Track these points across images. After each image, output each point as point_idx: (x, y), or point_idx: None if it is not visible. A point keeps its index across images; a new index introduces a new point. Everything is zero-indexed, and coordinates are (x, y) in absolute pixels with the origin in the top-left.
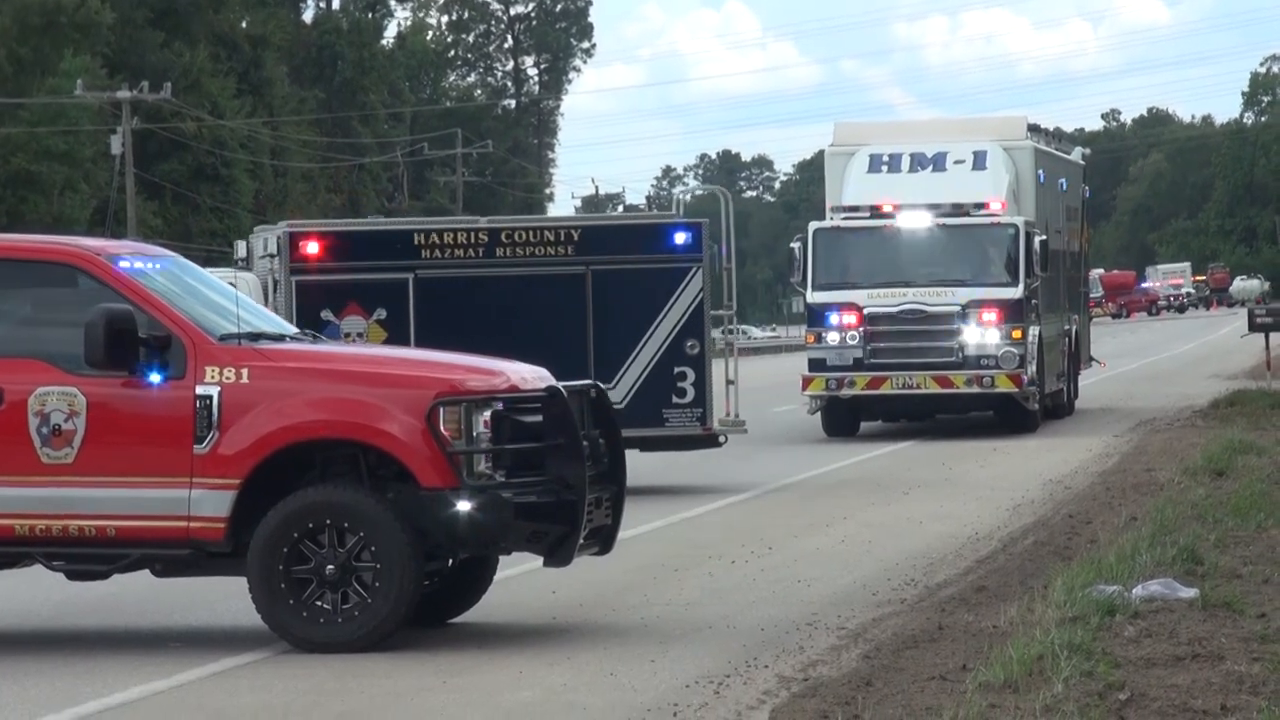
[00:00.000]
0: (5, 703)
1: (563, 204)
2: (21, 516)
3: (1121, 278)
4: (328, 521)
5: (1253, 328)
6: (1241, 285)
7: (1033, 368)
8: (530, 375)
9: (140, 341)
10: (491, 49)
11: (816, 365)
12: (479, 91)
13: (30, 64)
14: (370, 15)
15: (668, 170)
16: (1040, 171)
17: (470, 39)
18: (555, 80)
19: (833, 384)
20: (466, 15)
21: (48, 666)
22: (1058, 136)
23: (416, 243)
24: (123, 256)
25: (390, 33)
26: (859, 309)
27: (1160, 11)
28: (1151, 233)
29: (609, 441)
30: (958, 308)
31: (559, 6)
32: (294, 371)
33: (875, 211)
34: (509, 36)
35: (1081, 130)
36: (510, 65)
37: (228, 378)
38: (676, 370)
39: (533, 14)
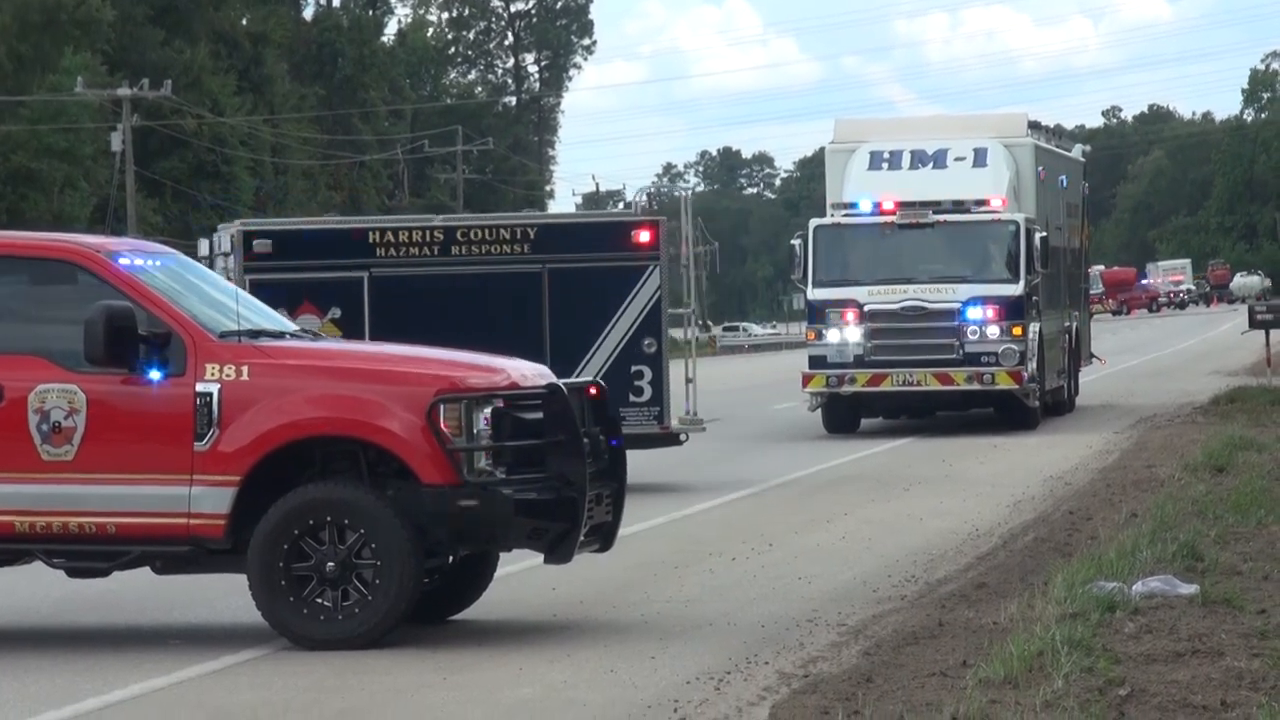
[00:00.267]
0: (6, 700)
1: (564, 201)
2: (22, 513)
3: (1122, 274)
4: (328, 518)
5: (1253, 324)
6: (1242, 282)
7: (1033, 364)
8: (531, 372)
9: (140, 339)
10: (492, 46)
11: (817, 362)
12: (479, 88)
13: (31, 61)
14: (370, 12)
15: (669, 167)
16: (1041, 168)
17: (471, 36)
18: (556, 77)
19: (833, 381)
20: (467, 12)
21: (48, 663)
22: (1058, 133)
23: (371, 241)
24: (123, 254)
25: (391, 30)
26: (859, 306)
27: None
28: (1152, 229)
29: (609, 438)
30: (958, 305)
31: (559, 3)
32: (294, 369)
33: (876, 208)
34: (509, 33)
35: (1082, 127)
36: (511, 62)
37: (228, 375)
38: (634, 369)
39: (533, 11)
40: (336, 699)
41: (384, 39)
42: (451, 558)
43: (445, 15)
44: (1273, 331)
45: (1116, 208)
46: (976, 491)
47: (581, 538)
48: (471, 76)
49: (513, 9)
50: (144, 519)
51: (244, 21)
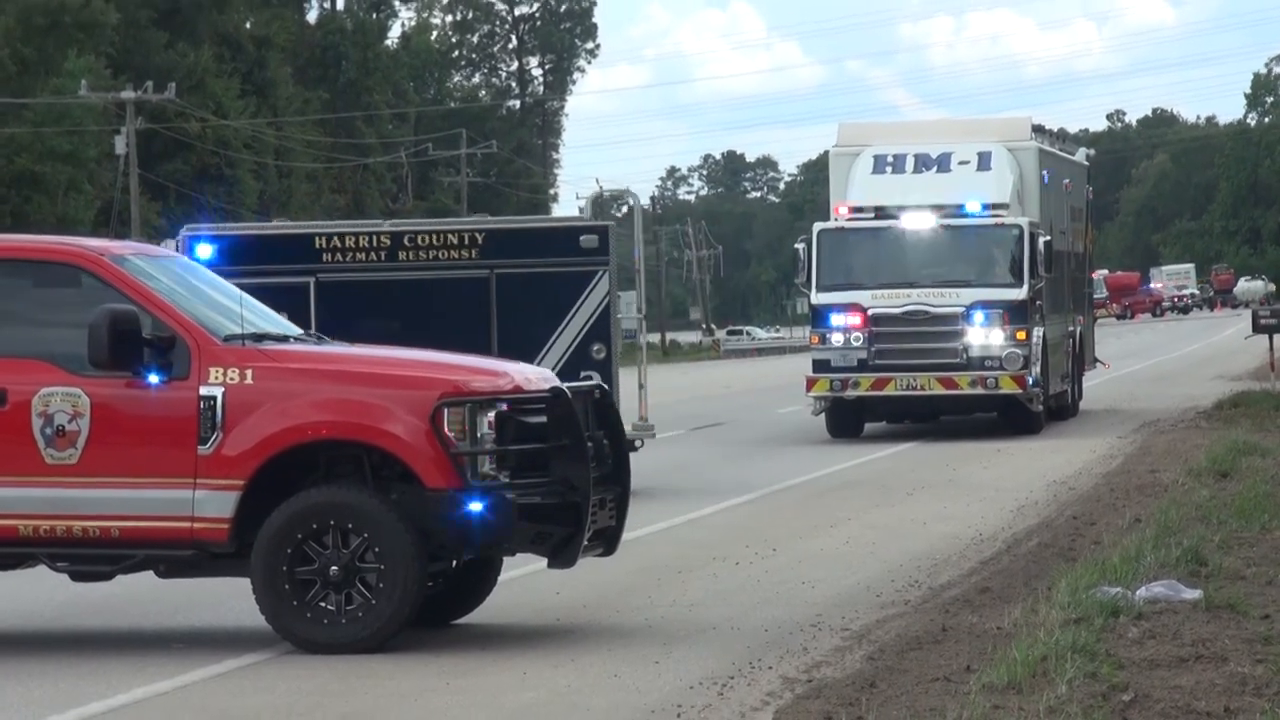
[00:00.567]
0: (9, 704)
1: (567, 204)
2: (25, 517)
3: (1126, 279)
4: (331, 522)
5: (1257, 329)
6: (1246, 286)
7: (1037, 369)
8: (534, 376)
9: (144, 342)
10: (496, 49)
11: (821, 366)
12: (483, 92)
13: (35, 64)
14: (374, 16)
15: (672, 171)
16: (1044, 172)
17: (474, 39)
18: (560, 81)
19: (837, 385)
20: (471, 15)
21: (51, 667)
22: (1062, 137)
23: (317, 246)
24: (127, 257)
25: (394, 33)
26: (863, 310)
27: (1165, 12)
28: (1155, 234)
29: (613, 443)
30: (962, 309)
31: (563, 7)
32: (298, 372)
33: (880, 212)
34: (513, 37)
35: (1086, 131)
36: (515, 66)
37: (232, 378)
38: (582, 375)
39: (537, 14)
40: (340, 703)
41: (388, 42)
42: (455, 562)
43: (449, 18)
44: (1276, 336)
45: (1120, 212)
46: (980, 496)
47: (585, 542)
48: (475, 80)
49: (517, 12)
50: (148, 523)
51: (248, 24)
